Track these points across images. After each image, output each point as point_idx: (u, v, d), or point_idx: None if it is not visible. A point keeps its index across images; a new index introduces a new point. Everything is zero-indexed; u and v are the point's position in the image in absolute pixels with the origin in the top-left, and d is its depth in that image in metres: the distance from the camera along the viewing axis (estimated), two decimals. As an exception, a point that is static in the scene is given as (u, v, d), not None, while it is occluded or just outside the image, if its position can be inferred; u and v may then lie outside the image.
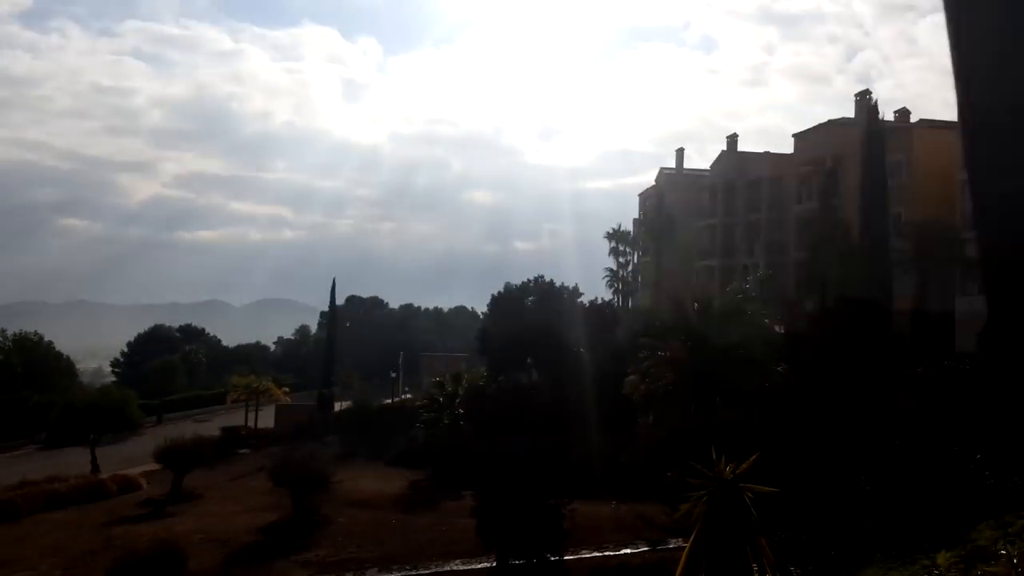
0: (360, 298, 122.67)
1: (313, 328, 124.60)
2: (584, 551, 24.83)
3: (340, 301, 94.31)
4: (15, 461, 53.43)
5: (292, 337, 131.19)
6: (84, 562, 26.61)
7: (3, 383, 78.66)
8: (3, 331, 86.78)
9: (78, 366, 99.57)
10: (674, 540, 21.68)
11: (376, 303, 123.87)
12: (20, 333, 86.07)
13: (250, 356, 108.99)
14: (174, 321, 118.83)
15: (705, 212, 78.19)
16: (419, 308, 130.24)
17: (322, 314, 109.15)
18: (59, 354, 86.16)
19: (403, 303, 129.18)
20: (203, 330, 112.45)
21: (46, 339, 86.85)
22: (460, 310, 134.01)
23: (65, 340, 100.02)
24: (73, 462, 46.07)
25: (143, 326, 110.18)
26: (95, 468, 44.44)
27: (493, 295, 54.20)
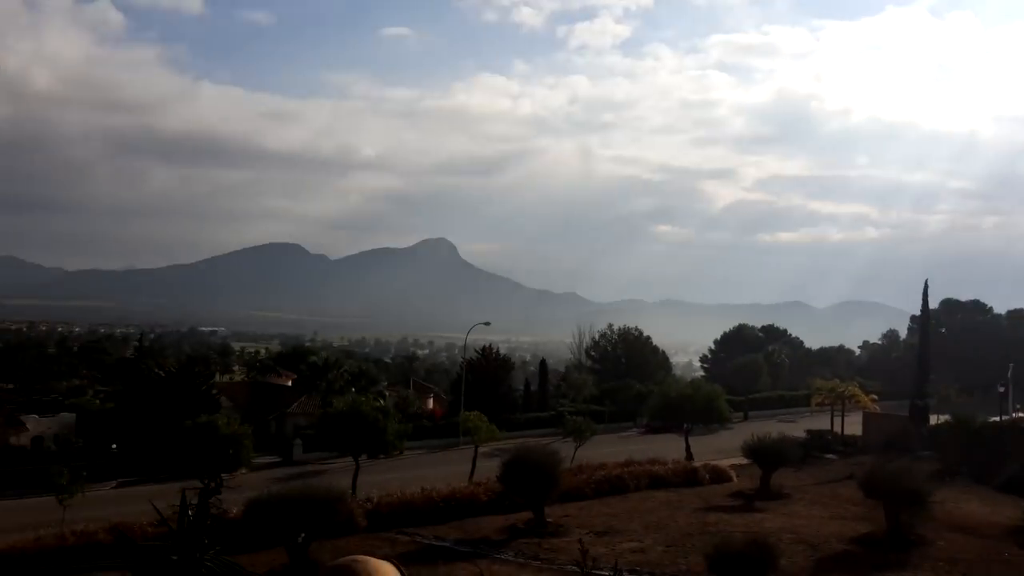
0: (957, 301, 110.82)
1: (902, 333, 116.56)
2: None
3: (933, 304, 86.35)
4: (621, 441, 60.47)
5: (878, 342, 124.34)
6: (682, 542, 28.52)
7: (611, 372, 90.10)
8: (610, 326, 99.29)
9: (671, 359, 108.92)
10: None
11: (978, 307, 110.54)
12: (623, 328, 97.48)
13: (832, 359, 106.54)
14: (756, 321, 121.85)
15: None
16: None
17: (912, 318, 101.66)
18: (656, 348, 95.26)
19: (1012, 308, 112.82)
20: (785, 331, 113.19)
21: (644, 334, 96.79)
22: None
23: (659, 335, 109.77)
24: (668, 447, 50.21)
25: (727, 325, 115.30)
26: (689, 455, 47.74)
27: None
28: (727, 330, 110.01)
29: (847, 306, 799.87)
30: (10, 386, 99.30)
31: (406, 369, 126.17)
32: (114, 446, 53.97)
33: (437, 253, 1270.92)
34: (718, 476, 41.76)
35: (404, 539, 29.87)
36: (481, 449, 47.91)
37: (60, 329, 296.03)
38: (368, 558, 3.25)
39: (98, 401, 75.08)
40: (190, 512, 4.74)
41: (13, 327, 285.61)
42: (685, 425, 52.33)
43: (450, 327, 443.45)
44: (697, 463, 44.45)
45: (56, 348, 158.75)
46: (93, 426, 61.08)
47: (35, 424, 60.62)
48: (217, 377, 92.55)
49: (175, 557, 4.46)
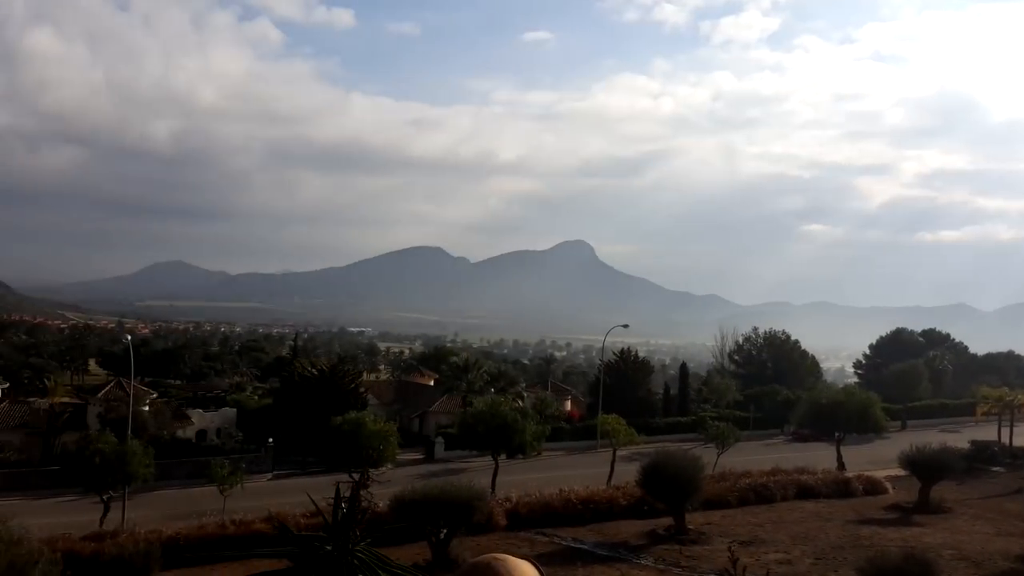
0: None
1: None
2: None
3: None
4: (767, 449, 58.42)
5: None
6: (832, 555, 27.25)
7: (756, 376, 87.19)
8: (755, 329, 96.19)
9: (821, 365, 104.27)
10: None
11: None
12: (770, 332, 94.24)
13: (1001, 366, 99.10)
14: (915, 325, 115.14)
15: None
16: None
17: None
18: (805, 352, 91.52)
19: None
20: (947, 335, 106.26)
21: (792, 338, 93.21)
22: None
23: (807, 339, 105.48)
24: (818, 456, 48.09)
25: (883, 329, 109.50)
26: (841, 465, 45.62)
27: None
28: (883, 334, 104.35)
29: (1018, 309, 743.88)
30: (178, 382, 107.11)
31: (544, 371, 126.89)
32: (270, 440, 56.98)
33: (575, 255, 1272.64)
34: (872, 488, 39.75)
35: (543, 540, 30.00)
36: (619, 452, 47.51)
37: (223, 329, 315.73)
38: (507, 556, 3.23)
39: (256, 397, 79.66)
40: (343, 505, 4.91)
41: (181, 327, 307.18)
42: (837, 434, 49.97)
43: (588, 329, 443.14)
44: (850, 473, 42.50)
45: (219, 347, 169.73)
46: (251, 421, 64.75)
47: (199, 418, 64.87)
48: (364, 376, 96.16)
49: (329, 547, 4.62)
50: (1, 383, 74.73)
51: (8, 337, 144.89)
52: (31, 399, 62.82)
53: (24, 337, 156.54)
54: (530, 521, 31.85)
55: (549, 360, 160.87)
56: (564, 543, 29.57)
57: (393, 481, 36.53)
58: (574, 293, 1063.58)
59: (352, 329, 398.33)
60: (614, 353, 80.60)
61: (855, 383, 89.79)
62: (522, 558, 3.19)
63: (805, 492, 38.04)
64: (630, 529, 31.29)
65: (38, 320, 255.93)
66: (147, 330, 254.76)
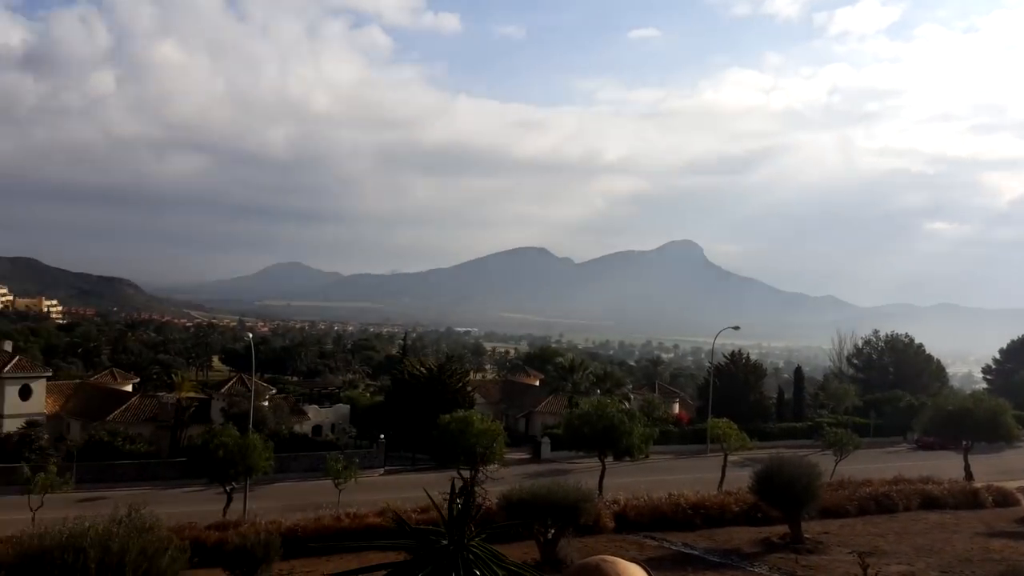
0: None
1: None
2: None
3: None
4: (888, 457, 56.01)
5: None
6: (959, 568, 25.81)
7: (876, 381, 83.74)
8: (876, 332, 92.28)
9: (948, 370, 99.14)
10: None
11: None
12: (892, 334, 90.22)
13: None
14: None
15: None
16: None
17: None
18: (929, 356, 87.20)
19: None
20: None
21: (916, 341, 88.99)
22: None
23: (932, 343, 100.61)
24: (943, 465, 45.76)
25: (1015, 332, 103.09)
26: (968, 475, 43.27)
27: None
28: (1015, 338, 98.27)
29: None
30: (294, 379, 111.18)
31: (651, 372, 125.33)
32: (382, 436, 58.40)
33: (683, 255, 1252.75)
34: (1003, 499, 37.48)
35: (651, 543, 29.57)
36: (731, 458, 46.42)
37: (336, 328, 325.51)
38: (616, 559, 3.17)
39: (368, 394, 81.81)
40: (458, 501, 4.97)
41: (297, 326, 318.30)
42: (964, 442, 47.37)
43: (696, 331, 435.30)
44: (978, 484, 40.19)
45: (332, 345, 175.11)
46: (364, 417, 66.52)
47: (315, 413, 67.08)
48: (471, 375, 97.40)
49: (445, 542, 4.67)
50: (132, 378, 79.25)
51: (139, 335, 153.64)
52: (160, 394, 66.40)
53: (153, 335, 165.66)
54: (638, 525, 31.46)
55: (656, 362, 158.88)
56: (674, 548, 29.06)
57: (502, 480, 36.81)
58: (682, 294, 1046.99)
59: (459, 329, 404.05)
60: (724, 355, 78.82)
61: (984, 389, 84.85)
62: (631, 561, 3.13)
63: (930, 502, 36.20)
64: (743, 536, 30.48)
65: (166, 319, 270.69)
66: (266, 329, 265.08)
